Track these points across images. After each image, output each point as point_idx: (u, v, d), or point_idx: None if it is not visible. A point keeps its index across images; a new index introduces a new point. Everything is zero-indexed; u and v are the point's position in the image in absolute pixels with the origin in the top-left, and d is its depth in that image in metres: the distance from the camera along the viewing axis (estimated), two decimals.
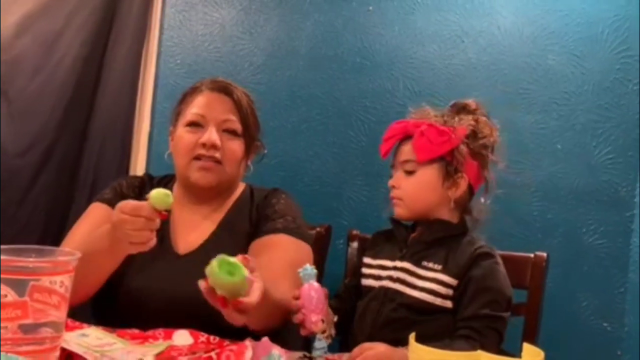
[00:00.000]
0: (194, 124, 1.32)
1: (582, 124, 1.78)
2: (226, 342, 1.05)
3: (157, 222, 1.04)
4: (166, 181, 1.42)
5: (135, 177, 1.51)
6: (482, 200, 1.29)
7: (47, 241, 1.70)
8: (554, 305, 1.61)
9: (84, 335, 1.02)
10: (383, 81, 1.90)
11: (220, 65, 2.02)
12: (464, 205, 1.28)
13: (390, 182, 1.30)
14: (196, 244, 1.31)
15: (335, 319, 1.11)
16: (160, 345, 1.01)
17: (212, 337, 1.07)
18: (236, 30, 2.03)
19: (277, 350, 0.90)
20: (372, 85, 1.91)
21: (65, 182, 1.99)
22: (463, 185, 1.25)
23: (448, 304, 1.18)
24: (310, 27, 1.97)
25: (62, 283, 0.78)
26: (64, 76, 1.99)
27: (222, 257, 0.90)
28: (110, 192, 1.37)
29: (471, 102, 1.30)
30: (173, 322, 1.10)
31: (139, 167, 2.03)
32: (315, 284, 1.08)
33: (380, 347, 1.02)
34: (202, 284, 0.91)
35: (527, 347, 0.84)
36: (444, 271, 1.18)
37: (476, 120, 1.26)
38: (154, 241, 1.06)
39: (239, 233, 1.31)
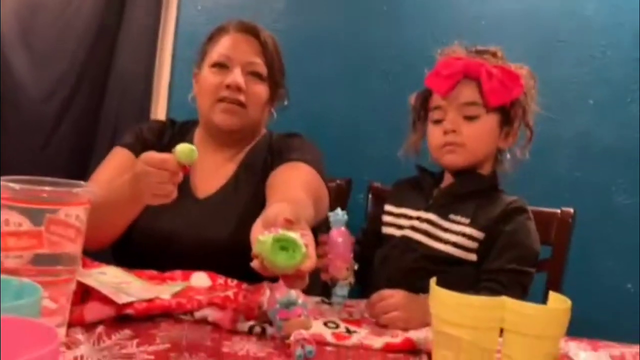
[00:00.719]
0: (219, 65, 1.29)
1: (617, 79, 1.71)
2: (244, 285, 1.04)
3: (180, 176, 1.02)
4: (188, 126, 1.41)
5: (157, 121, 1.50)
6: (518, 153, 1.22)
7: None
8: (578, 264, 1.57)
9: (101, 273, 1.02)
10: (410, 30, 1.84)
11: (241, 11, 1.97)
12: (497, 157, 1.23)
13: (448, 126, 1.17)
14: (215, 187, 1.30)
15: (356, 266, 1.09)
16: (177, 286, 1.01)
17: (229, 280, 1.06)
18: None
19: (294, 292, 0.88)
20: (398, 34, 1.85)
21: (87, 128, 1.99)
22: (515, 135, 1.18)
23: (472, 256, 1.15)
24: None
25: (77, 216, 0.76)
26: (84, 22, 1.98)
27: (275, 235, 0.76)
28: (131, 137, 1.36)
29: (497, 49, 1.22)
30: (192, 265, 1.09)
31: (159, 114, 2.03)
32: (344, 230, 1.05)
33: (399, 295, 1.00)
34: (255, 264, 0.78)
35: (553, 295, 0.81)
36: (471, 224, 1.14)
37: (520, 67, 1.18)
38: (175, 194, 1.04)
39: (257, 174, 1.29)
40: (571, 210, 1.41)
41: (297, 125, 1.86)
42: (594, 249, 1.70)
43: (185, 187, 1.29)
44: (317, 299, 1.07)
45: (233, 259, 1.17)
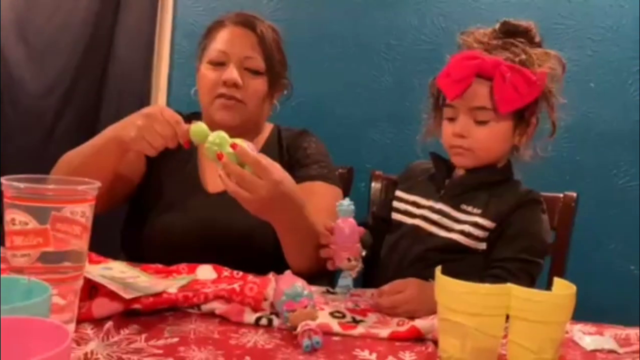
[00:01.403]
0: (216, 62, 1.29)
1: (618, 61, 1.70)
2: (250, 277, 1.04)
3: (176, 143, 1.08)
4: (195, 119, 1.40)
5: None
6: (538, 150, 1.19)
7: None
8: (581, 247, 1.58)
9: (107, 268, 1.02)
10: (409, 17, 1.83)
11: (240, 1, 1.96)
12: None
13: (457, 130, 1.13)
14: None
15: (364, 253, 1.08)
16: (183, 279, 1.01)
17: (235, 272, 1.06)
18: None
19: (300, 283, 0.89)
20: (397, 21, 1.84)
21: (87, 122, 1.99)
22: (531, 130, 1.16)
23: (482, 245, 1.13)
24: None
25: (83, 213, 0.77)
26: (81, 16, 1.97)
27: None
28: None
29: (529, 25, 1.15)
30: (201, 259, 1.10)
31: None
32: (351, 220, 1.06)
33: (411, 290, 0.98)
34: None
35: (557, 281, 0.82)
36: (483, 215, 1.12)
37: (547, 55, 1.13)
38: (155, 153, 1.10)
39: None
40: (574, 194, 1.41)
41: (297, 115, 1.86)
42: (596, 232, 1.71)
43: (195, 181, 1.30)
44: (323, 288, 1.07)
45: (244, 252, 1.18)
